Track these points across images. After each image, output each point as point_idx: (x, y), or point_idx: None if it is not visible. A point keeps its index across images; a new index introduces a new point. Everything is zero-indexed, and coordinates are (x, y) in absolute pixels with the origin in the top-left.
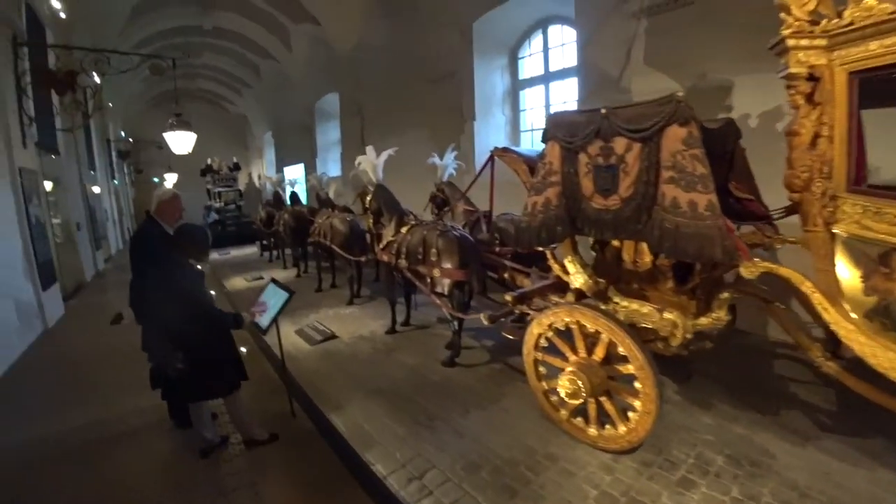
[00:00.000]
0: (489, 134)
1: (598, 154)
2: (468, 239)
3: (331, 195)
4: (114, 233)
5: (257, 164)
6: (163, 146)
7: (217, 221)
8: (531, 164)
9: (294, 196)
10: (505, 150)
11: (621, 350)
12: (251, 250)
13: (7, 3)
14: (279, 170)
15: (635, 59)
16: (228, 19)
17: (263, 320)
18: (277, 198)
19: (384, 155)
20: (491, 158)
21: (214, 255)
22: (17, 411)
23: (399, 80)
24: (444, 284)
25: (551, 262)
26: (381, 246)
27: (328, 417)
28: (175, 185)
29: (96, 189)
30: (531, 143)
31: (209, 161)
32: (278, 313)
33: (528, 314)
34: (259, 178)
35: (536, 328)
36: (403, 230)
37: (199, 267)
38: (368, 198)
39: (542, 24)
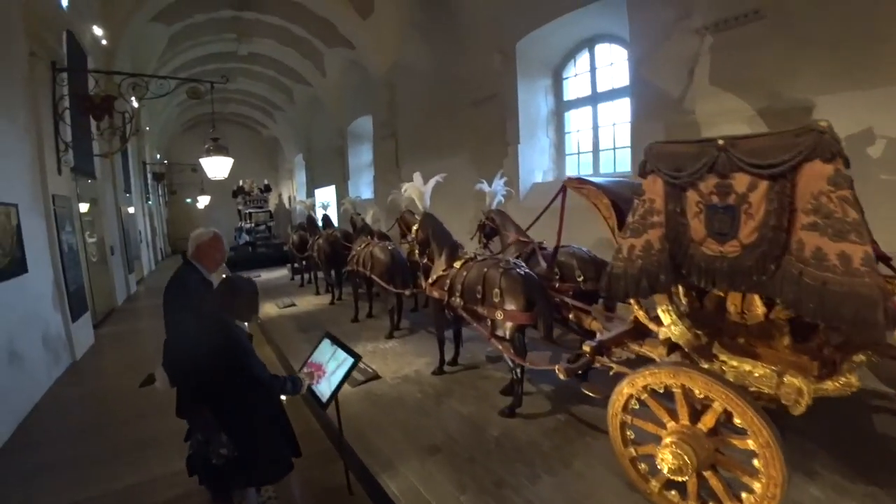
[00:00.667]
0: (534, 158)
1: (713, 192)
2: (534, 278)
3: (368, 221)
4: (147, 254)
5: (287, 185)
6: (196, 169)
7: (248, 243)
8: (614, 197)
9: (326, 219)
10: (581, 180)
11: (738, 422)
12: (281, 273)
13: (49, 31)
14: (310, 192)
15: (699, 78)
16: (263, 45)
17: (322, 388)
18: (311, 222)
19: (432, 182)
20: (563, 190)
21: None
22: (41, 469)
23: (437, 103)
24: (507, 328)
25: (635, 308)
26: (430, 281)
27: (387, 489)
28: (207, 207)
29: (131, 210)
30: (577, 168)
31: (241, 182)
32: (342, 382)
33: (608, 366)
34: (290, 200)
35: (628, 388)
36: (457, 265)
37: (245, 325)
38: (415, 227)
39: (589, 43)
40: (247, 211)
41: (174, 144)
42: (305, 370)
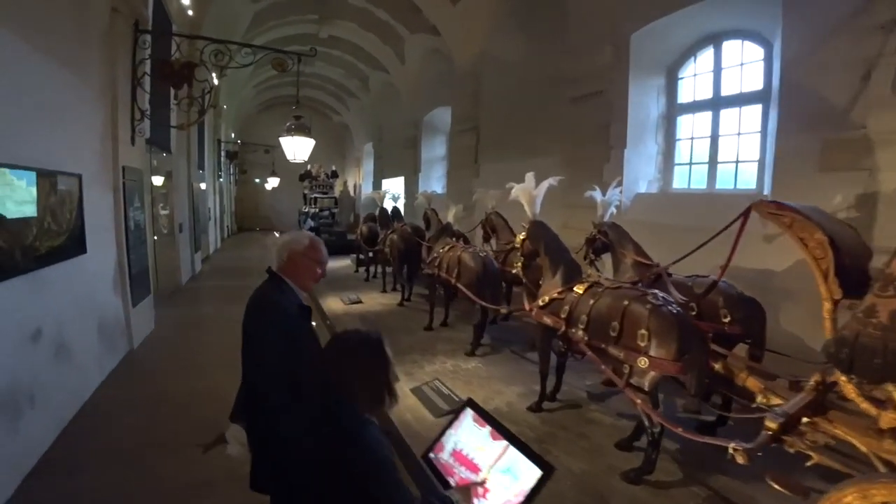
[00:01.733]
0: (639, 166)
1: None
2: (688, 318)
3: (450, 219)
4: (214, 232)
5: (354, 173)
6: (269, 150)
7: (313, 229)
8: (833, 235)
9: (395, 212)
10: (779, 205)
11: None
12: (344, 262)
13: None
14: (377, 182)
15: (877, 85)
16: (344, 28)
17: None
18: (383, 214)
19: (545, 184)
20: (747, 213)
21: None
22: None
23: (526, 98)
24: (649, 378)
25: (845, 384)
26: (540, 303)
27: None
28: (274, 188)
29: (203, 186)
30: (688, 180)
31: (309, 167)
32: None
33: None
34: (355, 188)
35: (857, 499)
36: (579, 289)
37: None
38: (520, 237)
39: (714, 40)
40: (312, 195)
41: (248, 125)
42: (456, 476)
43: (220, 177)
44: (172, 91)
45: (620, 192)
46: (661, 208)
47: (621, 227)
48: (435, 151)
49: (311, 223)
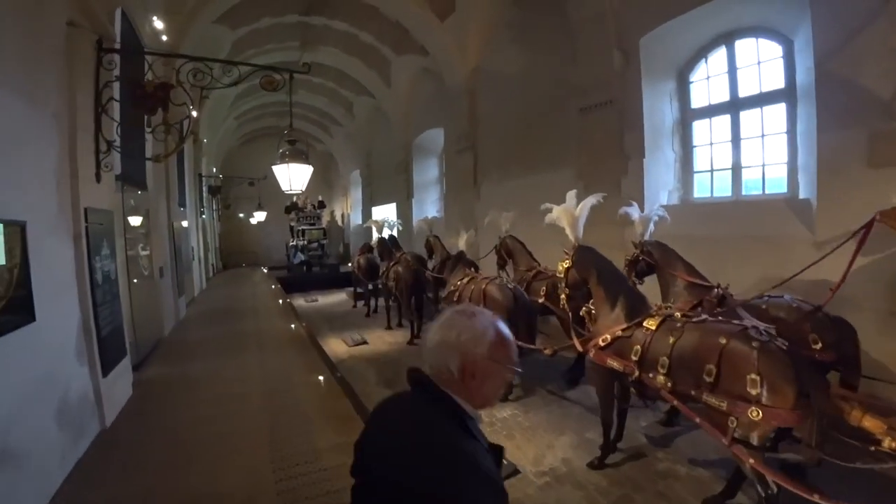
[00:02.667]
0: (659, 174)
1: None
2: (800, 355)
3: (462, 246)
4: (198, 271)
5: (341, 202)
6: (254, 182)
7: (303, 262)
8: None
9: (393, 241)
10: None
11: None
12: (339, 297)
13: (97, 3)
14: (367, 209)
15: None
16: (327, 54)
17: None
18: (383, 244)
19: (587, 204)
20: (870, 225)
21: (300, 301)
22: None
23: (530, 112)
24: (759, 432)
25: None
26: (601, 343)
27: None
28: (260, 223)
29: (185, 224)
30: (710, 188)
31: (294, 198)
32: None
33: None
34: (343, 218)
35: None
36: (650, 324)
37: None
38: (564, 264)
39: (726, 39)
40: (300, 228)
41: (231, 158)
42: None
43: (202, 213)
44: (147, 118)
45: (661, 206)
46: (685, 219)
47: (667, 245)
48: (428, 175)
49: (301, 256)
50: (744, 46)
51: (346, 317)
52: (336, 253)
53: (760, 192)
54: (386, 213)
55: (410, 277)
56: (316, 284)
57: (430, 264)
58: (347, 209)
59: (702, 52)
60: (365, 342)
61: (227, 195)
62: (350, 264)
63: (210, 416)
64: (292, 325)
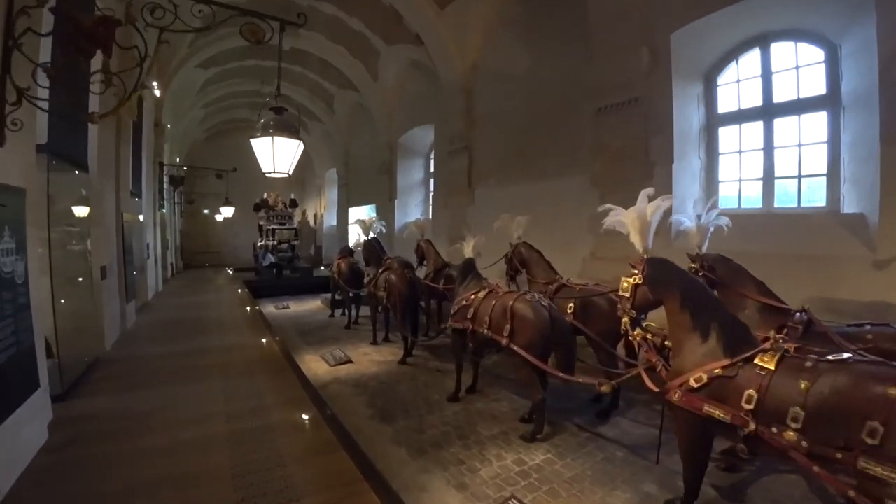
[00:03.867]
0: (685, 183)
1: None
2: None
3: (469, 253)
4: (154, 272)
5: (315, 203)
6: (222, 175)
7: (273, 265)
8: None
9: (377, 244)
10: None
11: None
12: (313, 304)
13: None
14: (343, 210)
15: None
16: (311, 41)
17: None
18: (371, 249)
19: (660, 206)
20: None
21: (270, 308)
22: None
23: (536, 113)
24: None
25: None
26: (692, 384)
27: None
28: (228, 221)
29: (140, 217)
30: (739, 200)
31: (265, 195)
32: None
33: None
34: (315, 218)
35: None
36: (766, 363)
37: None
38: (630, 280)
39: (760, 42)
40: (269, 227)
41: (196, 151)
42: None
43: (162, 207)
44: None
45: (718, 214)
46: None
47: (732, 260)
48: (412, 176)
49: (271, 258)
50: (780, 50)
51: (323, 328)
52: (307, 255)
53: (795, 204)
54: (364, 214)
55: (406, 288)
56: (287, 289)
57: (422, 272)
58: (321, 210)
59: (732, 54)
60: (349, 361)
61: (191, 190)
62: (325, 268)
63: (157, 479)
64: (263, 340)
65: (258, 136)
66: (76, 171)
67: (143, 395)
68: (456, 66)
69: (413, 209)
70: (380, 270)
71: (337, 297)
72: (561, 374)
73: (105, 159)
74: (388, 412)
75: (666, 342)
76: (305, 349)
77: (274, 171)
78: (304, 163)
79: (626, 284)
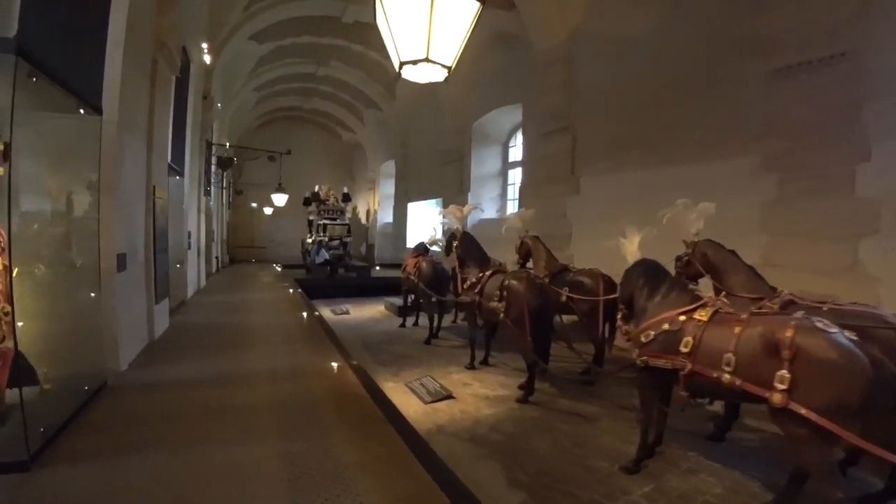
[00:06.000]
0: None
1: None
2: None
3: (632, 254)
4: (197, 266)
5: (366, 198)
6: (275, 157)
7: (327, 262)
8: None
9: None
10: None
11: None
12: (373, 308)
13: None
14: (401, 206)
15: None
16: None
17: None
18: (470, 245)
19: None
20: None
21: (326, 313)
22: None
23: (667, 81)
24: None
25: None
26: None
27: None
28: (275, 216)
29: (184, 197)
30: None
31: (316, 188)
32: None
33: None
34: (368, 214)
35: None
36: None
37: None
38: None
39: None
40: (320, 222)
41: (246, 141)
42: None
43: (208, 192)
44: None
45: None
46: None
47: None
48: (486, 166)
49: (325, 255)
50: None
51: (393, 342)
52: (358, 254)
53: None
54: (425, 210)
55: (536, 298)
56: (342, 290)
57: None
58: (374, 205)
59: None
60: (449, 395)
61: (239, 178)
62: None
63: None
64: (334, 364)
65: None
66: (76, 104)
67: (153, 462)
68: (555, 32)
69: (487, 203)
70: (487, 273)
71: (408, 303)
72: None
73: (131, 110)
74: (541, 492)
75: None
76: (381, 372)
77: (423, 59)
78: (355, 156)
79: None
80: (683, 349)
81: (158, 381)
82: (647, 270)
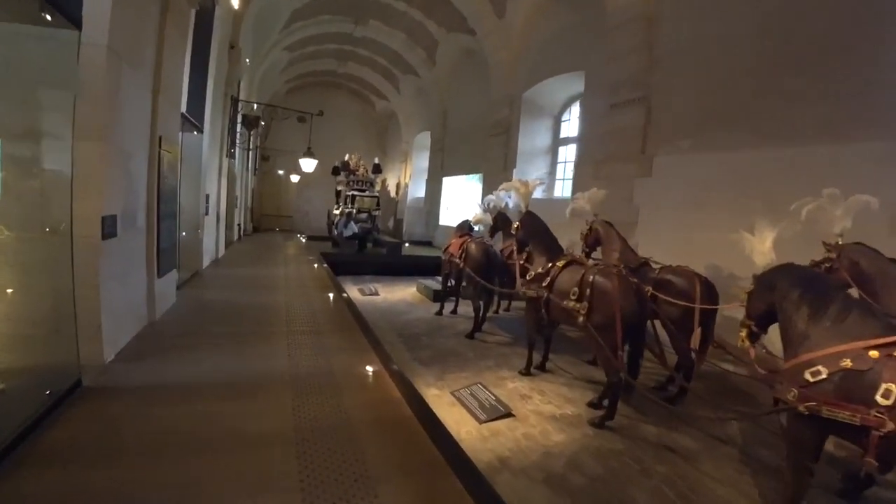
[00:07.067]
0: None
1: None
2: None
3: (764, 255)
4: (215, 232)
5: (397, 170)
6: (305, 118)
7: (356, 236)
8: None
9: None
10: None
11: None
12: (405, 290)
13: None
14: (435, 180)
15: None
16: None
17: None
18: (536, 225)
19: None
20: None
21: (353, 292)
22: None
23: (775, 44)
24: None
25: None
26: None
27: None
28: (302, 185)
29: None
30: None
31: (346, 157)
32: None
33: None
34: (398, 188)
35: None
36: None
37: None
38: None
39: None
40: (349, 193)
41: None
42: None
43: (232, 153)
44: None
45: None
46: None
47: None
48: (535, 141)
49: (353, 227)
50: None
51: (432, 334)
52: (385, 228)
53: None
54: (462, 185)
55: (632, 304)
56: (370, 268)
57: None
58: (405, 178)
59: None
60: (509, 413)
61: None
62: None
63: None
64: (369, 368)
65: None
66: (38, 6)
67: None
68: None
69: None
70: (559, 264)
71: (449, 286)
72: None
73: (130, 37)
74: None
75: None
76: (422, 375)
77: None
78: (388, 127)
79: None
80: (883, 400)
81: (147, 383)
82: (806, 280)
